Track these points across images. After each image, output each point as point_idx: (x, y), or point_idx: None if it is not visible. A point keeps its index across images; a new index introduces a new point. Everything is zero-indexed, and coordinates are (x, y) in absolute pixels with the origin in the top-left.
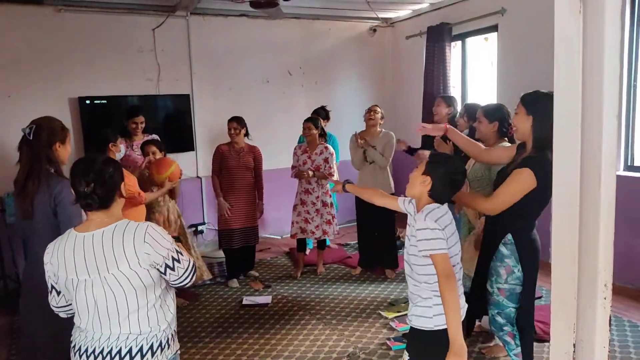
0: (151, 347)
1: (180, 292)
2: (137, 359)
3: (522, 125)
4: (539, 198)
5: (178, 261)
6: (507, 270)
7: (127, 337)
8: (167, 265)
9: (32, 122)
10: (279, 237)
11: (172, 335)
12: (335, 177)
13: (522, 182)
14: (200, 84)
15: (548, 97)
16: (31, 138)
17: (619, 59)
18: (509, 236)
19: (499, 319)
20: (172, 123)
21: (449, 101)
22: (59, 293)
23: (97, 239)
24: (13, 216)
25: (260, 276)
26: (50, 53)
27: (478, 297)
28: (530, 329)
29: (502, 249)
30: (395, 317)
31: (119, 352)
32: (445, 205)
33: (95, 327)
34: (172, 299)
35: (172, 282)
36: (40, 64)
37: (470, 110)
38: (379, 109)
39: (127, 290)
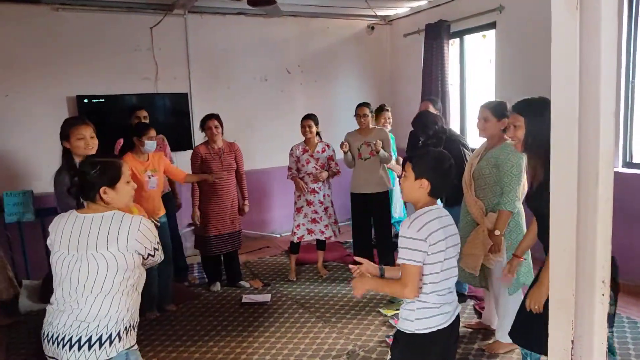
0: (100, 338)
1: (174, 296)
2: (84, 348)
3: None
4: None
5: (157, 250)
6: None
7: (79, 326)
8: (149, 255)
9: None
10: (279, 236)
11: (125, 328)
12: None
13: None
14: (199, 82)
15: (538, 101)
16: None
17: (615, 55)
18: None
19: None
20: (171, 121)
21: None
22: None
23: (96, 221)
24: (12, 215)
25: (259, 274)
26: (47, 52)
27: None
28: None
29: None
30: (394, 314)
31: (70, 339)
32: (436, 210)
33: (60, 304)
34: (138, 295)
35: (145, 263)
36: (37, 63)
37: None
38: (368, 111)
39: (102, 268)
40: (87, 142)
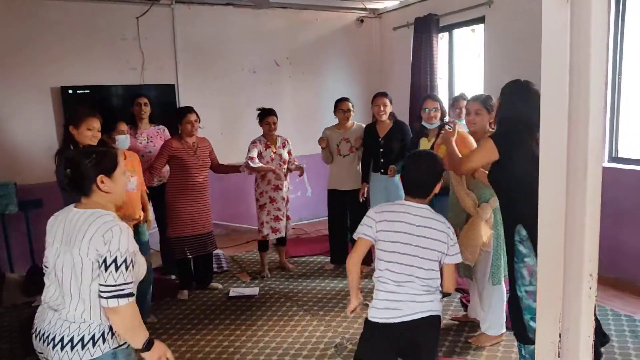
0: (82, 339)
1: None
2: (67, 348)
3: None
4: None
5: (121, 268)
6: (529, 271)
7: (62, 325)
8: (104, 261)
9: None
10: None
11: (111, 328)
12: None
13: (483, 149)
14: (186, 73)
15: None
16: None
17: (606, 49)
18: (523, 232)
19: (533, 324)
20: (157, 113)
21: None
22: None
23: (76, 218)
24: None
25: (246, 268)
26: (31, 42)
27: (510, 303)
28: None
29: (520, 247)
30: None
31: (54, 338)
32: (405, 206)
33: (49, 301)
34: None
35: (101, 288)
36: (21, 53)
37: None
38: (350, 106)
39: (78, 270)
40: (94, 134)
